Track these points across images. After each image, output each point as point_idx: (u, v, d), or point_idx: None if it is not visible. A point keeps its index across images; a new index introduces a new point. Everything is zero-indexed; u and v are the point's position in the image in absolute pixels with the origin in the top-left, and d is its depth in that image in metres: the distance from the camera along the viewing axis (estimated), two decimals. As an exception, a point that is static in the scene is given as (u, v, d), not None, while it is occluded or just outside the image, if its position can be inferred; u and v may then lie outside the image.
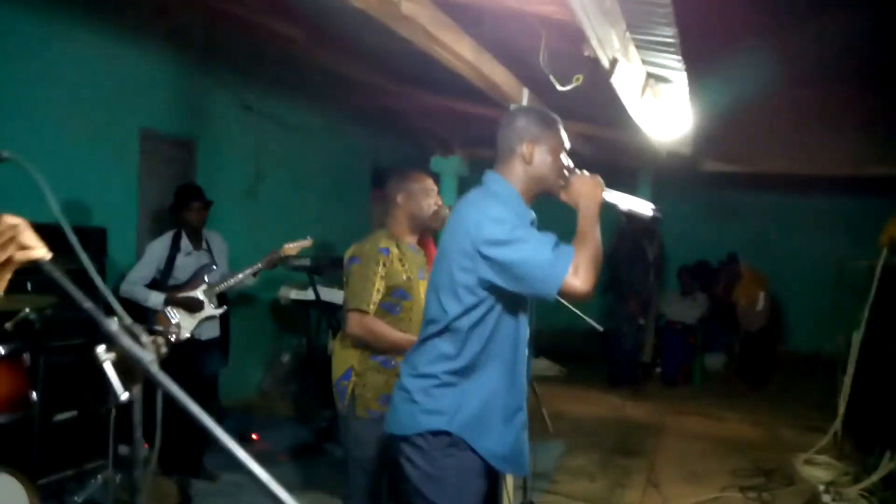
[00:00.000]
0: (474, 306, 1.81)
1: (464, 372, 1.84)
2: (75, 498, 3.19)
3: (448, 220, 2.03)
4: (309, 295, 4.90)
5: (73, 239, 1.03)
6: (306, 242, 4.05)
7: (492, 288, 1.80)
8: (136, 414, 0.98)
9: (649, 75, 3.19)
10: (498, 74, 3.15)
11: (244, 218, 5.63)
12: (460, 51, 2.61)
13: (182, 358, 3.69)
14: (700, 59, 3.06)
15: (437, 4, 2.26)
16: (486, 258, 1.75)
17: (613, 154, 6.64)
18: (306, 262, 4.66)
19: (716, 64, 4.25)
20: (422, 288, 2.58)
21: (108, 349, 0.93)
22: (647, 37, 2.55)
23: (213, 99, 5.48)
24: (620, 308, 7.06)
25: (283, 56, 5.05)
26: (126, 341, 0.94)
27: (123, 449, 3.63)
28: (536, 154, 1.90)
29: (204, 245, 3.97)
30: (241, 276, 3.92)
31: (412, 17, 2.07)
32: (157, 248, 3.82)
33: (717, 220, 9.27)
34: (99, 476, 3.26)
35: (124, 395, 0.92)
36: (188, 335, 3.75)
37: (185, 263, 3.84)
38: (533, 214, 1.96)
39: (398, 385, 1.95)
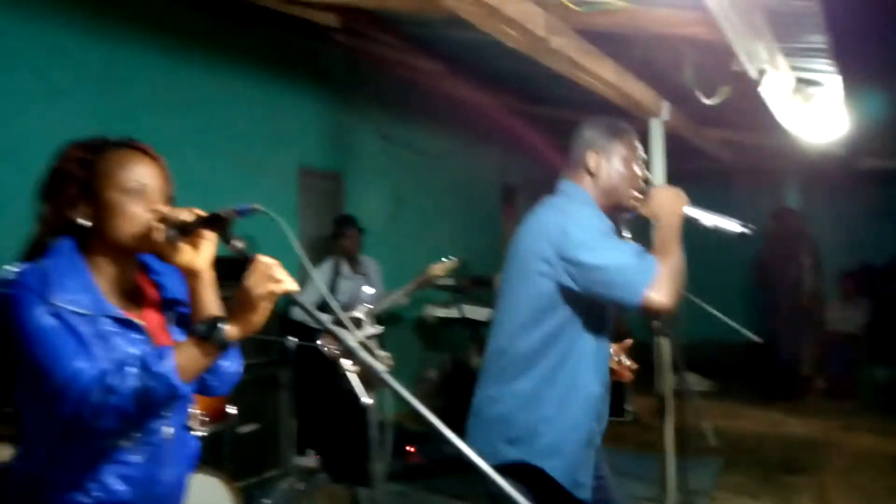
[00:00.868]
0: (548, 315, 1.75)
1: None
2: (263, 501, 3.54)
3: (522, 225, 1.92)
4: (453, 313, 5.11)
5: (312, 271, 1.23)
6: (453, 263, 4.26)
7: (569, 296, 1.73)
8: (371, 418, 1.16)
9: (799, 80, 3.09)
10: (637, 91, 3.19)
11: (388, 242, 5.98)
12: (602, 74, 2.69)
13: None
14: (857, 58, 2.93)
15: (581, 34, 2.37)
16: (568, 261, 1.69)
17: (756, 157, 6.36)
18: (451, 281, 4.87)
19: (874, 61, 4.00)
20: None
21: (352, 362, 1.12)
22: (795, 45, 2.50)
23: (357, 133, 5.89)
24: (774, 317, 6.69)
25: (418, 87, 5.36)
26: (363, 355, 1.12)
27: (299, 460, 4.00)
28: (603, 165, 1.84)
29: (361, 269, 4.30)
30: (394, 296, 4.19)
31: (560, 50, 2.19)
32: (321, 274, 4.18)
33: (880, 219, 8.53)
34: (282, 483, 3.60)
35: (368, 401, 1.10)
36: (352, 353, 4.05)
37: (346, 287, 4.18)
38: (612, 225, 1.87)
39: None
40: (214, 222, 1.26)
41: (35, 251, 1.27)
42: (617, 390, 4.42)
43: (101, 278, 1.28)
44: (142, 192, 1.28)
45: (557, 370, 1.77)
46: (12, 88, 3.48)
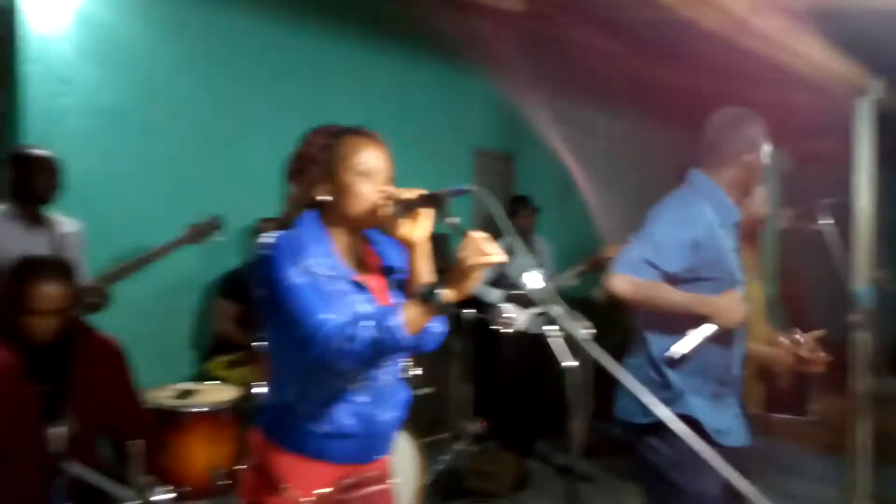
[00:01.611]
0: None
1: None
2: (440, 458, 3.81)
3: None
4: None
5: (520, 248, 1.37)
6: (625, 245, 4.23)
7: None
8: (575, 382, 1.27)
9: None
10: (842, 67, 2.96)
11: (557, 222, 6.03)
12: (804, 52, 2.54)
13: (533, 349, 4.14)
14: None
15: (785, 13, 2.26)
16: None
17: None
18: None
19: None
20: None
21: (558, 328, 1.24)
22: None
23: (529, 114, 5.98)
24: None
25: (593, 68, 5.32)
26: (568, 323, 1.23)
27: (469, 425, 4.23)
28: (755, 166, 2.00)
29: (533, 249, 4.42)
30: (564, 277, 4.26)
31: (762, 31, 2.12)
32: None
33: None
34: (455, 444, 3.85)
35: (572, 364, 1.22)
36: (523, 328, 4.20)
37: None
38: (738, 214, 2.02)
39: None
40: (433, 201, 1.43)
41: (285, 222, 1.52)
42: (801, 386, 4.18)
43: (338, 246, 1.50)
44: (370, 174, 1.48)
45: None
46: (236, 82, 3.99)
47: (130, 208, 3.54)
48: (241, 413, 3.03)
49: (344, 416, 1.42)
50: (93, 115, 3.45)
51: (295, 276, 1.37)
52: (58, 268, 1.94)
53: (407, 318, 1.32)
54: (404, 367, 1.59)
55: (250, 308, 3.71)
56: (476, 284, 1.35)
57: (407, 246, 1.48)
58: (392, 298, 1.53)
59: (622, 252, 1.97)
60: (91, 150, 3.43)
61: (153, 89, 3.67)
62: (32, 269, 1.91)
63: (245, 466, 1.49)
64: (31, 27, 3.26)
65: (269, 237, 1.46)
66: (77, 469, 1.50)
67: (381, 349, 1.32)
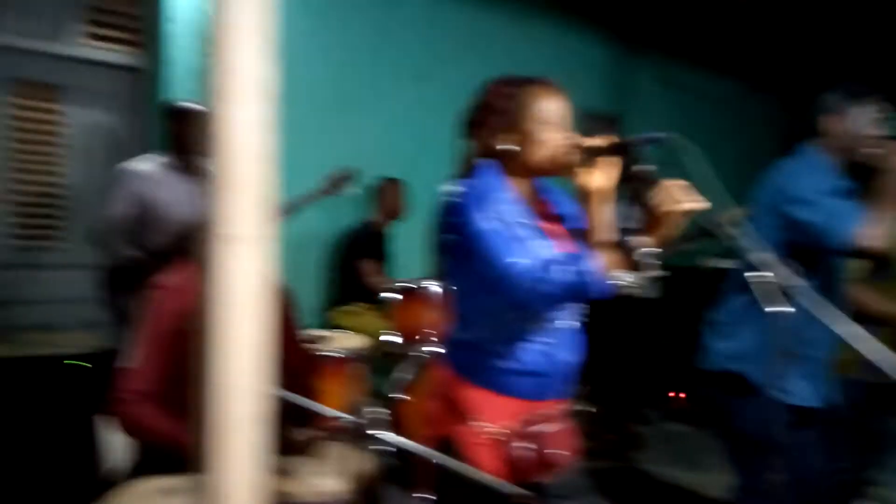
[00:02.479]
0: None
1: None
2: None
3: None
4: (734, 264, 4.94)
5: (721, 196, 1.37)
6: (739, 212, 4.11)
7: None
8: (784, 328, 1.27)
9: None
10: None
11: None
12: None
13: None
14: None
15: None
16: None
17: None
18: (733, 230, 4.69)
19: None
20: None
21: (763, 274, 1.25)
22: None
23: (637, 76, 5.83)
24: None
25: (703, 30, 5.12)
26: (779, 270, 1.24)
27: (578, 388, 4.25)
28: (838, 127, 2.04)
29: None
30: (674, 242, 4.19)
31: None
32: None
33: None
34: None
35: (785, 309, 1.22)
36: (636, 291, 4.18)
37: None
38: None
39: None
40: (623, 148, 1.44)
41: (466, 170, 1.56)
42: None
43: (517, 194, 1.54)
44: (554, 123, 1.50)
45: None
46: (355, 46, 4.08)
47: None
48: (367, 359, 3.18)
49: (530, 354, 1.47)
50: (229, 73, 3.61)
51: (484, 221, 1.42)
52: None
53: (606, 263, 1.34)
54: (582, 313, 1.62)
55: (380, 262, 3.90)
56: (674, 232, 1.36)
57: (587, 194, 1.50)
58: (570, 245, 1.56)
59: (837, 214, 1.89)
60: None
61: (282, 50, 3.79)
62: None
63: (428, 399, 1.57)
64: (175, -11, 3.42)
65: (453, 185, 1.51)
66: (281, 392, 1.62)
67: (573, 293, 1.35)
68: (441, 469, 1.48)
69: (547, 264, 1.36)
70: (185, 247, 2.93)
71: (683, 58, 5.94)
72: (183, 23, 3.47)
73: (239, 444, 0.70)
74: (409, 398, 3.01)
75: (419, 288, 3.36)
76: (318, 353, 2.85)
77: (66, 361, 2.69)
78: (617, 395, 4.44)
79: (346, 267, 3.93)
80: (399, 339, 3.33)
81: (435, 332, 3.32)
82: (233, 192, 0.67)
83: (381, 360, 3.37)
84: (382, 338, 3.32)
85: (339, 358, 3.01)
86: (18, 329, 3.32)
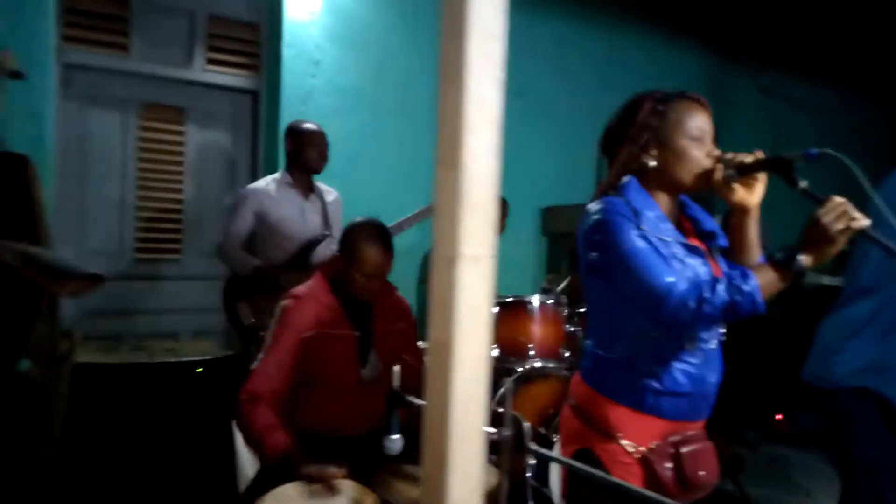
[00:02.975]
0: None
1: None
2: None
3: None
4: (835, 281, 4.72)
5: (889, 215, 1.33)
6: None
7: None
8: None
9: None
10: None
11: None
12: None
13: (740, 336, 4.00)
14: None
15: None
16: None
17: None
18: (846, 247, 4.49)
19: None
20: None
21: None
22: None
23: (732, 85, 5.68)
24: None
25: (804, 35, 4.93)
26: None
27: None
28: None
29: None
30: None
31: None
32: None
33: None
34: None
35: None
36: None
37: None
38: None
39: None
40: (777, 165, 1.41)
41: (608, 187, 1.56)
42: None
43: (664, 211, 1.53)
44: (702, 139, 1.49)
45: None
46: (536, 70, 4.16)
47: (361, 182, 3.82)
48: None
49: (678, 375, 1.46)
50: (337, 93, 3.76)
51: (635, 239, 1.41)
52: (385, 234, 2.13)
53: (762, 282, 1.32)
54: (722, 332, 1.60)
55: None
56: (837, 250, 1.32)
57: (741, 211, 1.48)
58: (719, 264, 1.54)
59: None
60: (333, 126, 3.72)
61: (384, 70, 3.92)
62: (370, 237, 2.11)
63: (565, 414, 1.59)
64: (288, 14, 3.60)
65: (599, 203, 1.51)
66: (413, 401, 1.68)
67: (735, 313, 1.33)
68: (584, 483, 1.50)
69: (709, 284, 1.35)
70: (303, 260, 3.07)
71: (781, 66, 5.75)
72: (298, 48, 3.64)
73: (466, 451, 0.74)
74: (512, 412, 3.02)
75: (519, 302, 3.38)
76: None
77: (197, 370, 2.84)
78: (719, 415, 4.30)
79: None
80: (497, 353, 3.35)
81: (534, 346, 3.32)
82: (467, 214, 0.71)
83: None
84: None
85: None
86: (142, 337, 3.55)
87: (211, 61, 3.65)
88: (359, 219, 2.31)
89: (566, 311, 3.11)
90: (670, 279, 1.36)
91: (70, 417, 2.58)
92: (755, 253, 1.52)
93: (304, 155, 3.08)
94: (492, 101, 0.73)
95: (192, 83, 3.60)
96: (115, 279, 3.52)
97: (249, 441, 1.96)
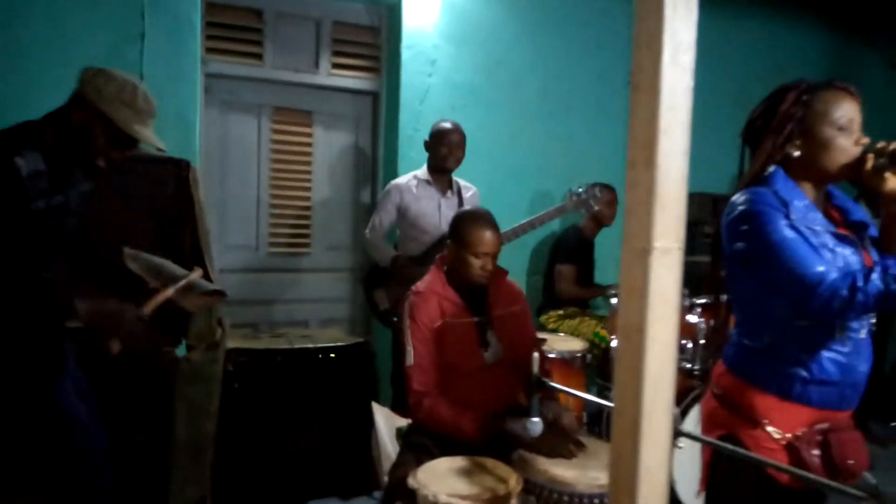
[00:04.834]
0: None
1: None
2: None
3: None
4: None
5: None
6: None
7: None
8: None
9: None
10: None
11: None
12: None
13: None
14: None
15: None
16: None
17: None
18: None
19: None
20: None
21: None
22: None
23: (862, 64, 5.36)
24: None
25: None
26: None
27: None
28: None
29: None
30: None
31: None
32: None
33: None
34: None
35: None
36: None
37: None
38: None
39: None
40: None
41: (753, 178, 1.57)
42: None
43: (812, 201, 1.53)
44: (849, 128, 1.48)
45: None
46: (565, 54, 4.18)
47: (476, 176, 3.90)
48: (587, 361, 3.27)
49: (827, 364, 1.47)
50: (452, 91, 3.89)
51: (785, 229, 1.43)
52: (491, 217, 2.28)
53: None
54: (872, 321, 1.58)
55: (584, 269, 3.99)
56: None
57: (893, 201, 1.46)
58: (871, 255, 1.53)
59: None
60: (449, 122, 3.87)
61: (496, 66, 4.00)
62: (479, 217, 2.27)
63: (710, 400, 1.62)
64: (407, 16, 3.75)
65: (745, 194, 1.52)
66: (554, 386, 1.77)
67: (890, 302, 1.32)
68: (729, 467, 1.53)
69: (861, 273, 1.35)
70: (437, 254, 3.23)
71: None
72: (415, 49, 3.79)
73: (657, 426, 0.82)
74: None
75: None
76: (546, 354, 2.98)
77: (330, 355, 3.06)
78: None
79: (550, 271, 4.05)
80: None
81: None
82: (659, 210, 0.79)
83: (598, 364, 3.46)
84: (612, 343, 3.39)
85: (563, 359, 3.13)
86: (276, 324, 3.83)
87: (336, 66, 3.86)
88: (462, 209, 2.46)
89: (688, 302, 3.10)
90: (821, 268, 1.37)
91: (225, 397, 2.86)
92: None
93: (436, 153, 3.24)
94: (683, 107, 0.80)
95: (318, 87, 3.83)
96: (251, 271, 3.82)
97: (440, 427, 2.12)
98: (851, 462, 1.48)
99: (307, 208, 3.91)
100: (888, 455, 3.97)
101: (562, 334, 3.65)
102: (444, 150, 3.23)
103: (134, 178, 2.59)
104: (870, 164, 1.45)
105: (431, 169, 3.31)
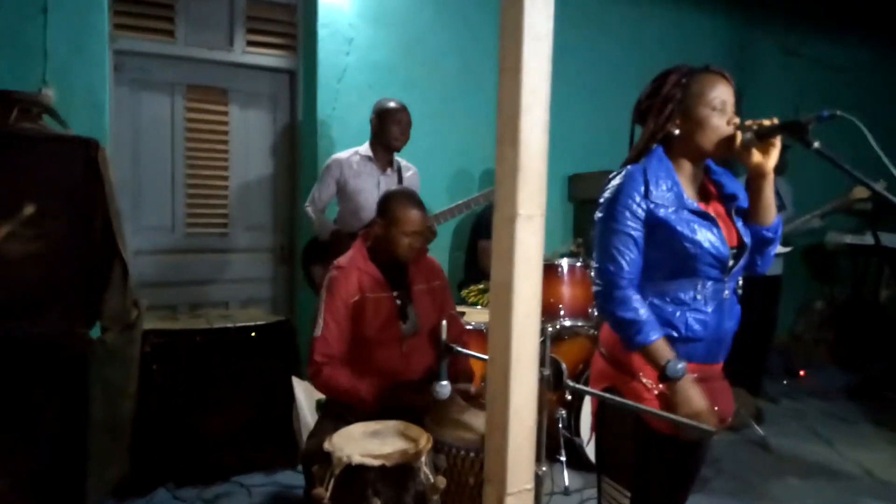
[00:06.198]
0: None
1: None
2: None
3: None
4: (866, 240, 4.80)
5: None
6: (878, 186, 4.01)
7: None
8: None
9: None
10: None
11: (790, 161, 5.76)
12: None
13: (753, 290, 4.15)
14: None
15: None
16: None
17: None
18: (868, 205, 4.57)
19: None
20: None
21: None
22: None
23: (758, 48, 5.71)
24: None
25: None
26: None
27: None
28: None
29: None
30: (807, 218, 4.14)
31: None
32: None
33: None
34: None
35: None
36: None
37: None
38: None
39: None
40: (792, 127, 1.56)
41: (638, 155, 1.72)
42: None
43: (682, 177, 1.69)
44: (723, 109, 1.64)
45: None
46: (483, 36, 4.27)
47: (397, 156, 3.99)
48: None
49: (693, 323, 1.64)
50: (370, 70, 3.92)
51: (626, 215, 1.62)
52: (418, 197, 2.37)
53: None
54: (739, 285, 1.76)
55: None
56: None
57: (757, 175, 1.64)
58: (737, 224, 1.71)
59: None
60: (367, 102, 3.89)
61: (413, 46, 4.06)
62: (407, 197, 2.35)
63: (596, 358, 1.78)
64: (323, -5, 3.76)
65: (618, 176, 1.67)
66: (461, 350, 1.89)
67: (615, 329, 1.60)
68: (612, 414, 1.70)
69: (624, 300, 1.60)
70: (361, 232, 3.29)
71: (808, 25, 5.75)
72: (332, 27, 3.80)
73: (524, 369, 0.94)
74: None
75: (549, 265, 3.56)
76: (465, 326, 3.11)
77: (251, 334, 3.09)
78: (744, 369, 4.46)
79: (472, 247, 4.19)
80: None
81: (564, 307, 3.51)
82: (524, 181, 0.90)
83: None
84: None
85: (481, 330, 3.27)
86: (195, 306, 3.81)
87: (251, 43, 3.83)
88: (391, 188, 2.56)
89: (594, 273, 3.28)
90: (613, 267, 1.62)
91: (144, 378, 2.85)
92: (771, 213, 1.69)
93: (385, 132, 3.28)
94: (542, 89, 0.90)
95: (233, 65, 3.80)
96: (168, 252, 3.78)
97: (338, 395, 2.23)
98: (717, 409, 1.66)
99: (225, 188, 3.88)
100: (778, 410, 4.34)
101: (480, 307, 3.79)
102: (395, 130, 3.27)
103: (38, 158, 2.52)
104: (738, 140, 1.62)
105: (375, 146, 3.34)
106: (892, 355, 4.98)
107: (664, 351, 1.57)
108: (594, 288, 1.68)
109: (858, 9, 5.55)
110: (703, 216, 1.65)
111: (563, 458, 3.14)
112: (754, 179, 1.66)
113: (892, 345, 5.07)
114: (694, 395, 1.55)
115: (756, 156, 1.62)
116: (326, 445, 1.78)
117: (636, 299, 1.60)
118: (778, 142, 1.62)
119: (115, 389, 2.78)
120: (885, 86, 6.44)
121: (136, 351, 2.83)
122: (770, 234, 1.72)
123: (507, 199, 0.92)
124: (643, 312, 1.59)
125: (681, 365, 1.55)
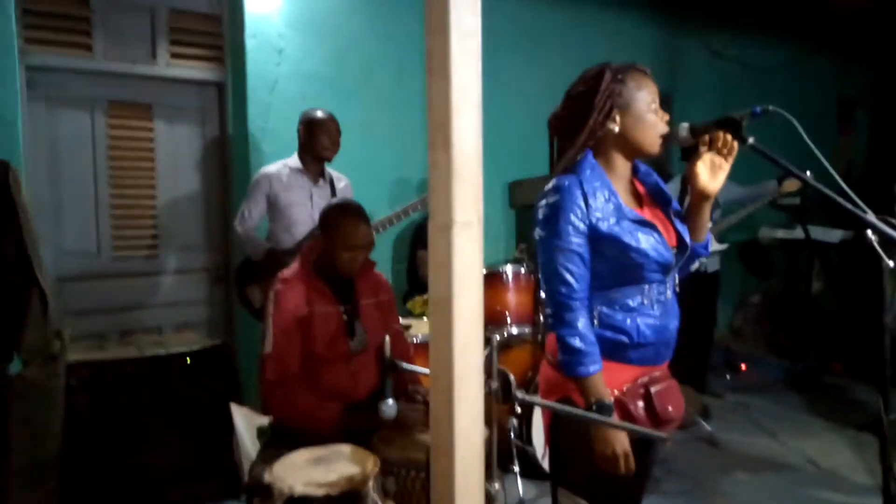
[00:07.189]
0: None
1: None
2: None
3: None
4: (796, 234, 4.96)
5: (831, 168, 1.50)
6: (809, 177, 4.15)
7: None
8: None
9: None
10: None
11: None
12: None
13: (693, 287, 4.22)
14: None
15: None
16: None
17: None
18: (796, 200, 4.73)
19: None
20: None
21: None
22: None
23: (687, 52, 5.87)
24: None
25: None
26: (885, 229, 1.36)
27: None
28: None
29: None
30: (735, 215, 4.25)
31: None
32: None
33: None
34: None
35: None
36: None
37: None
38: None
39: None
40: (726, 124, 1.56)
41: (571, 161, 1.68)
42: None
43: (615, 178, 1.67)
44: (654, 105, 1.64)
45: None
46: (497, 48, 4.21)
47: (333, 167, 3.88)
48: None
49: (644, 328, 1.62)
50: (302, 80, 3.82)
51: (569, 231, 1.58)
52: (362, 210, 2.27)
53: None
54: (677, 283, 1.75)
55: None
56: None
57: (701, 196, 1.63)
58: (678, 228, 1.70)
59: None
60: (300, 113, 3.80)
61: (346, 55, 3.98)
62: (350, 211, 2.25)
63: (545, 367, 1.73)
64: (249, 3, 3.63)
65: (552, 192, 1.62)
66: (406, 367, 1.82)
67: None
68: (567, 427, 1.65)
69: (571, 325, 1.57)
70: (304, 245, 3.18)
71: (732, 30, 5.94)
72: (260, 37, 3.68)
73: (469, 388, 0.88)
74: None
75: (493, 272, 3.53)
76: (410, 339, 3.04)
77: (186, 360, 2.93)
78: (689, 366, 4.53)
79: (413, 258, 4.12)
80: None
81: (510, 314, 3.48)
82: (459, 187, 0.84)
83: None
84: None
85: (427, 343, 3.20)
86: (126, 332, 3.61)
87: (175, 55, 3.67)
88: (333, 201, 2.48)
89: (538, 279, 3.27)
90: (564, 289, 1.59)
91: (69, 414, 2.66)
92: (706, 231, 1.74)
93: (315, 142, 3.18)
94: (473, 89, 0.85)
95: (157, 78, 3.63)
96: (93, 278, 3.57)
97: (293, 418, 2.10)
98: (670, 409, 1.64)
99: (152, 207, 3.70)
100: (723, 406, 4.42)
101: (426, 318, 3.72)
102: (325, 140, 3.18)
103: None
104: (675, 134, 1.62)
105: (304, 157, 3.24)
106: (825, 344, 5.16)
107: (598, 387, 1.55)
108: (546, 310, 1.65)
109: (777, 10, 5.77)
110: (643, 223, 1.64)
111: (516, 469, 3.09)
112: (698, 200, 1.67)
113: (824, 334, 5.26)
114: (619, 437, 1.53)
115: (702, 176, 1.61)
116: (267, 477, 1.68)
117: (584, 325, 1.58)
118: (727, 166, 1.62)
119: (37, 428, 2.60)
120: (803, 83, 6.72)
121: (59, 385, 2.65)
122: (703, 251, 1.76)
123: (442, 205, 0.86)
124: (589, 341, 1.56)
125: (608, 404, 1.53)
